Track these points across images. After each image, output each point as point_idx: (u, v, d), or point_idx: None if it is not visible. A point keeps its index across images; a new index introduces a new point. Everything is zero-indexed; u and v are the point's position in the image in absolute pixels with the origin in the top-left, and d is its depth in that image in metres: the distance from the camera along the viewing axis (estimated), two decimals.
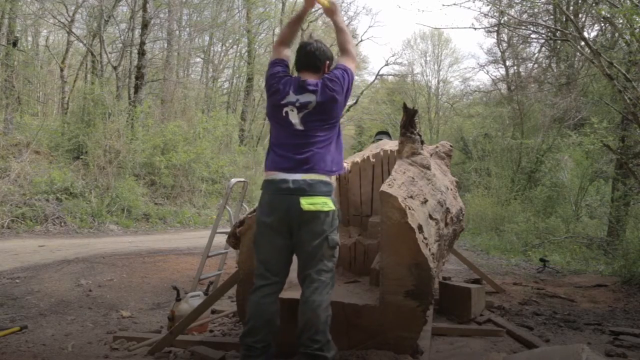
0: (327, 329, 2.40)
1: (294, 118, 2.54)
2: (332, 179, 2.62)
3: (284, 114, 2.55)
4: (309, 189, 2.44)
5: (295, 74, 2.69)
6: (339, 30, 2.78)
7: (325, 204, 2.45)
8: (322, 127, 2.54)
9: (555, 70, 15.55)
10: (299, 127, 2.53)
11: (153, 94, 17.12)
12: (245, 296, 2.69)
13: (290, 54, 2.81)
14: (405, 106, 3.42)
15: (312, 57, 2.63)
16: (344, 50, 2.75)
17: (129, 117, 13.17)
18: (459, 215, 4.06)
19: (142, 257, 6.97)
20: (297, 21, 2.88)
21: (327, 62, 2.68)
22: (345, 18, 26.58)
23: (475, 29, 22.38)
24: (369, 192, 4.21)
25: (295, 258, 2.57)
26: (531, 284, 6.03)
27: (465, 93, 24.82)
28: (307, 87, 2.55)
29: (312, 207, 2.41)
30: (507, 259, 8.65)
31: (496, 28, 13.68)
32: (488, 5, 9.01)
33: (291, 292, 2.98)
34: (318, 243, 2.43)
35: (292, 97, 2.56)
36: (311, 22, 22.81)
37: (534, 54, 17.83)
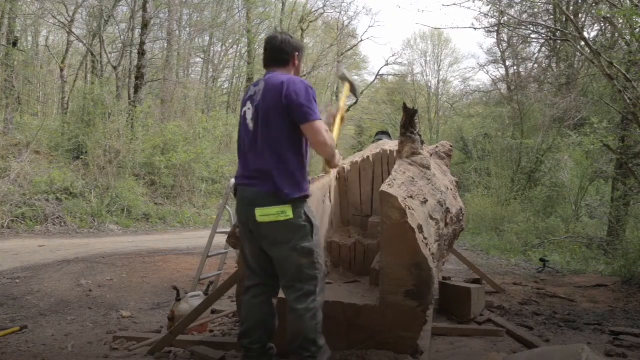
0: (318, 336, 2.34)
1: (249, 115, 2.44)
2: (306, 187, 2.41)
3: (242, 113, 2.49)
4: (263, 200, 2.31)
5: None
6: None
7: (282, 212, 2.28)
8: (273, 128, 2.34)
9: (555, 70, 15.54)
10: (252, 129, 2.40)
11: (153, 94, 17.13)
12: None
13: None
14: (405, 106, 3.42)
15: (278, 51, 2.49)
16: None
17: (129, 117, 13.17)
18: (459, 215, 4.06)
19: (142, 257, 6.97)
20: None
21: (296, 53, 2.53)
22: (345, 18, 26.62)
23: (475, 29, 22.41)
24: (369, 192, 4.21)
25: None
26: (531, 284, 6.03)
27: (465, 93, 24.85)
28: (264, 78, 2.46)
29: (265, 219, 2.30)
30: (507, 259, 8.65)
31: (496, 28, 13.67)
32: (488, 5, 9.01)
33: None
34: (284, 253, 2.33)
35: (251, 90, 2.48)
36: (311, 22, 22.84)
37: (534, 54, 17.85)
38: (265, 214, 2.29)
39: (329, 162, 2.59)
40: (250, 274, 2.51)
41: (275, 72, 2.48)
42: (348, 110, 25.33)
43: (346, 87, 3.34)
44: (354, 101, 24.60)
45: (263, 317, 2.44)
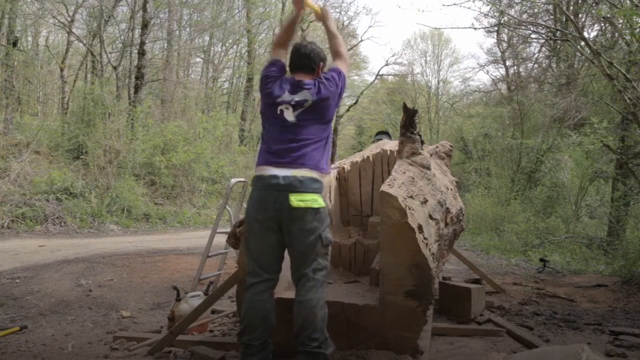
0: (325, 327, 2.40)
1: (289, 116, 2.57)
2: (324, 178, 2.63)
3: (278, 112, 2.59)
4: (299, 186, 2.44)
5: (290, 75, 2.74)
6: (330, 35, 2.85)
7: (315, 200, 2.44)
8: (316, 126, 2.57)
9: (555, 70, 15.54)
10: (293, 124, 2.55)
11: (153, 94, 17.13)
12: None
13: (286, 55, 2.86)
14: (405, 106, 3.42)
15: (306, 59, 2.68)
16: (336, 53, 2.80)
17: (129, 117, 13.17)
18: (459, 215, 4.06)
19: (142, 257, 6.97)
20: (291, 24, 2.96)
21: (321, 63, 2.72)
22: (345, 18, 26.63)
23: (475, 29, 22.36)
24: (369, 192, 4.21)
25: (286, 256, 2.57)
26: (531, 284, 6.03)
27: (465, 93, 24.85)
28: (303, 87, 2.60)
29: (301, 204, 2.40)
30: (507, 259, 8.65)
31: (496, 28, 13.68)
32: (488, 5, 9.00)
33: (291, 292, 2.98)
34: (311, 241, 2.42)
35: (287, 96, 2.60)
36: (311, 22, 22.82)
37: (534, 54, 17.84)
38: (302, 200, 2.41)
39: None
40: (257, 270, 2.51)
41: (300, 77, 2.66)
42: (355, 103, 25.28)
43: None
44: (354, 101, 24.53)
45: (265, 313, 2.46)
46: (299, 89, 2.59)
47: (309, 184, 2.46)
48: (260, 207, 2.49)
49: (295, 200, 2.40)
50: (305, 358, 2.37)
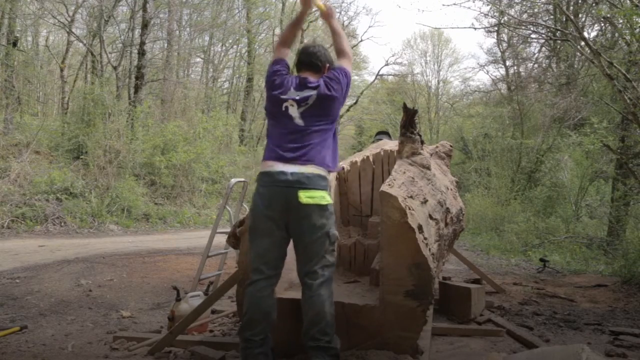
0: (334, 323, 2.44)
1: (294, 112, 2.58)
2: (330, 175, 2.65)
3: (283, 109, 2.60)
4: (308, 182, 2.45)
5: (296, 74, 2.76)
6: (335, 33, 2.86)
7: (323, 197, 2.47)
8: (321, 123, 2.59)
9: (555, 70, 15.54)
10: (299, 121, 2.57)
11: (153, 94, 17.12)
12: None
13: (290, 54, 2.89)
14: (405, 106, 3.42)
15: (314, 58, 2.71)
16: (341, 52, 2.82)
17: (129, 117, 13.17)
18: (459, 215, 4.06)
19: (142, 257, 6.97)
20: (297, 23, 2.97)
21: (327, 64, 2.75)
22: (345, 18, 26.62)
23: (475, 29, 22.39)
24: (369, 192, 4.21)
25: (289, 254, 2.58)
26: (531, 284, 6.03)
27: (465, 93, 24.82)
28: (307, 84, 2.62)
29: (310, 201, 2.41)
30: (507, 259, 8.65)
31: (496, 28, 13.68)
32: (488, 5, 9.02)
33: (292, 292, 2.98)
34: (319, 237, 2.44)
35: (292, 93, 2.62)
36: (311, 22, 22.82)
37: (534, 54, 17.81)
38: (311, 196, 2.42)
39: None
40: (260, 266, 2.50)
41: (307, 75, 2.68)
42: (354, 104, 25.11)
43: None
44: (354, 101, 24.44)
45: (267, 308, 2.47)
46: (304, 86, 2.62)
47: (317, 181, 2.47)
48: (267, 203, 2.48)
49: (304, 196, 2.41)
50: (316, 353, 2.37)
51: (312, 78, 2.66)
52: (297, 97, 2.59)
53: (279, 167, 2.49)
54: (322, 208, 2.45)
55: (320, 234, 2.44)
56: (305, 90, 2.60)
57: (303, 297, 2.46)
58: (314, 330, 2.38)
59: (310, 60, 2.72)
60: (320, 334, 2.37)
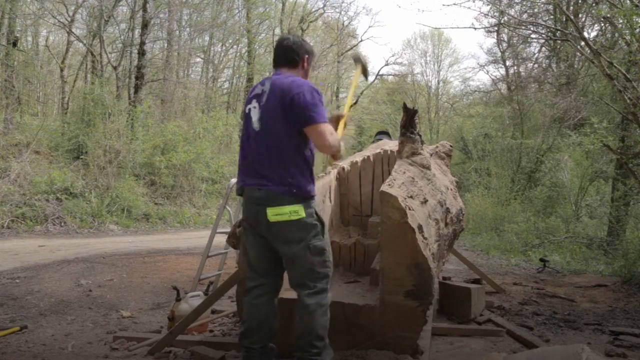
0: (326, 334, 2.37)
1: (255, 114, 2.41)
2: (309, 186, 2.41)
3: (247, 111, 2.45)
4: (274, 200, 2.30)
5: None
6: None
7: (295, 212, 2.29)
8: (280, 129, 2.33)
9: (555, 70, 15.54)
10: (257, 126, 2.38)
11: (153, 94, 17.12)
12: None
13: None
14: (405, 106, 3.42)
15: (289, 52, 2.50)
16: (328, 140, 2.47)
17: (129, 117, 13.17)
18: (459, 215, 4.06)
19: (142, 257, 6.97)
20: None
21: (306, 56, 2.54)
22: (345, 18, 26.65)
23: (475, 29, 22.40)
24: (369, 192, 4.21)
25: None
26: (531, 284, 6.03)
27: (465, 93, 24.82)
28: (272, 77, 2.45)
29: (278, 218, 2.30)
30: (507, 259, 8.65)
31: (496, 28, 13.68)
32: (488, 5, 9.03)
33: (291, 292, 2.98)
34: (299, 251, 2.32)
35: (257, 88, 2.48)
36: (311, 22, 22.83)
37: (534, 54, 17.81)
38: (277, 214, 2.29)
39: (334, 156, 2.59)
40: (253, 274, 2.50)
41: (283, 72, 2.49)
42: (355, 103, 25.20)
43: (358, 69, 3.39)
44: (356, 100, 24.46)
45: (264, 317, 2.44)
46: (266, 81, 2.45)
47: (286, 196, 2.30)
48: (247, 216, 2.45)
49: (272, 215, 2.30)
50: None
51: (288, 73, 2.47)
52: (260, 91, 2.42)
53: (248, 185, 2.42)
54: (293, 223, 2.30)
55: (298, 248, 2.32)
56: (265, 83, 2.43)
57: (295, 306, 2.41)
58: (302, 342, 2.35)
59: (286, 54, 2.50)
60: (309, 346, 2.33)
